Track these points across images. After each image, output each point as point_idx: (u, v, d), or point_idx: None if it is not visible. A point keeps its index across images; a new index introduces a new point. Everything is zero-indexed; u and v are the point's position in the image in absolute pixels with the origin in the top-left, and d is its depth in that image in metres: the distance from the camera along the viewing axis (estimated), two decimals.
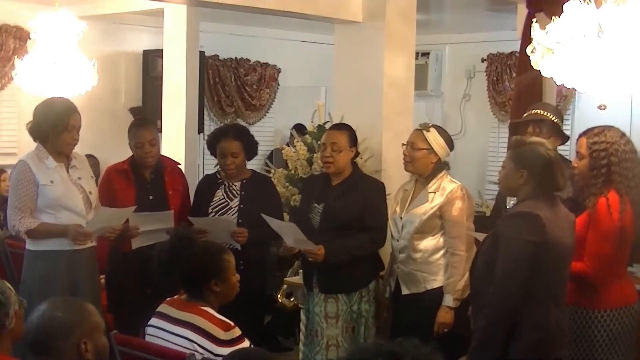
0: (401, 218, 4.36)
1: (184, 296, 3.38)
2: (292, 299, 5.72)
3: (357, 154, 4.59)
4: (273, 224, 4.38)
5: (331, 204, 4.41)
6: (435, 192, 4.29)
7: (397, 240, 4.38)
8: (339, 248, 4.33)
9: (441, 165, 4.35)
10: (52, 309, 2.69)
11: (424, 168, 4.32)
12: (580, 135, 3.75)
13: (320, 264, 4.33)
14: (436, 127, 4.40)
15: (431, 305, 4.22)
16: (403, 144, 4.41)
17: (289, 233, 4.37)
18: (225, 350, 3.08)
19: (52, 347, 2.63)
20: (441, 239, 4.28)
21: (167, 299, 3.43)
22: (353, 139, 4.50)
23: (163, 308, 3.38)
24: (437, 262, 4.28)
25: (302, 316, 4.78)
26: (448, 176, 4.35)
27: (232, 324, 3.20)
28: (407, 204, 4.38)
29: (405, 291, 4.34)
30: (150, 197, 4.69)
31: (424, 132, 4.33)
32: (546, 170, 3.41)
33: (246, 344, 3.17)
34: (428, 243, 4.28)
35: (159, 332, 3.31)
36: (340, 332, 4.38)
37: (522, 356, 3.35)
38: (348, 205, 4.38)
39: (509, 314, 3.35)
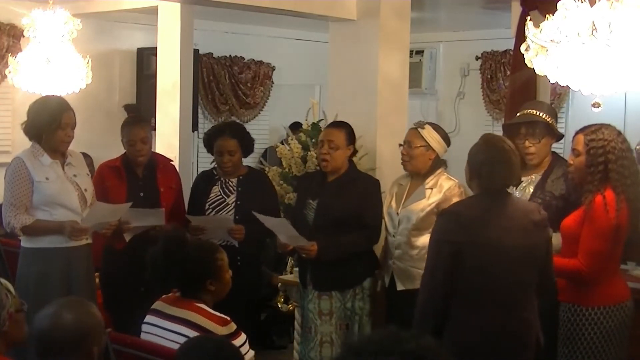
0: (397, 213, 4.36)
1: (179, 293, 3.37)
2: (289, 304, 5.69)
3: (354, 152, 4.58)
4: (266, 221, 4.37)
5: (325, 200, 4.41)
6: (432, 189, 4.30)
7: (393, 236, 4.37)
8: (333, 244, 4.31)
9: (439, 162, 4.37)
10: (66, 317, 2.60)
11: (423, 165, 4.33)
12: (577, 132, 3.75)
13: (314, 260, 4.32)
14: (431, 124, 4.43)
15: None
16: (400, 145, 4.42)
17: (282, 230, 4.36)
18: None
19: (66, 355, 2.59)
20: None
21: (163, 296, 3.42)
22: (351, 137, 4.50)
23: (158, 305, 3.38)
24: None
25: (297, 314, 4.77)
26: (445, 173, 4.36)
27: (228, 318, 3.20)
28: (403, 199, 4.37)
29: (400, 287, 4.34)
30: (142, 194, 4.69)
31: (419, 129, 4.35)
32: (484, 165, 3.34)
33: (243, 337, 3.18)
34: (425, 240, 4.25)
35: (154, 329, 3.31)
36: (334, 329, 4.37)
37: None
38: (343, 202, 4.37)
39: (432, 313, 3.30)
